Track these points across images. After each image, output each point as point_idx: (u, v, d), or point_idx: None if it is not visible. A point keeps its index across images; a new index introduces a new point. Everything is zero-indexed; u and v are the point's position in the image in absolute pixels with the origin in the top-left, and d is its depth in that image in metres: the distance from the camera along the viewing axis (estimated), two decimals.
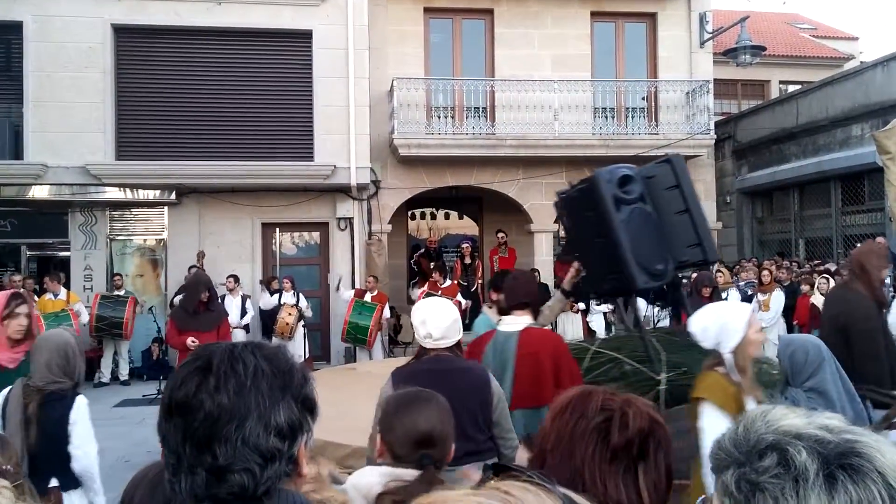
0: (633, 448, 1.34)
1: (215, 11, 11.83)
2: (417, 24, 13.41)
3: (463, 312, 10.79)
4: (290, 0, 12.01)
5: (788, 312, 10.22)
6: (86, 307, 10.70)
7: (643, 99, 13.79)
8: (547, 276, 12.60)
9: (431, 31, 13.65)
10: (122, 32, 11.78)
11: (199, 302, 6.82)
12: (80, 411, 3.36)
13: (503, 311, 3.93)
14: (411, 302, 11.85)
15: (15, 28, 11.45)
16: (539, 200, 13.25)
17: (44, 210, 11.74)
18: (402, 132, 12.46)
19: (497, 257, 12.83)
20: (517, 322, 3.72)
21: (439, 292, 10.41)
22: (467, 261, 12.92)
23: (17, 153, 11.43)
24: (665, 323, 5.85)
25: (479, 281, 12.88)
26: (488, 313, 5.21)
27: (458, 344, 3.11)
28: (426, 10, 13.47)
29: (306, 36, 12.14)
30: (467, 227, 14.99)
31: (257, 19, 11.94)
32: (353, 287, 11.89)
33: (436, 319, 3.01)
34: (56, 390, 3.31)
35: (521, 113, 12.82)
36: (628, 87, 13.73)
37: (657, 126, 13.44)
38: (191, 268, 11.23)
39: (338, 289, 11.50)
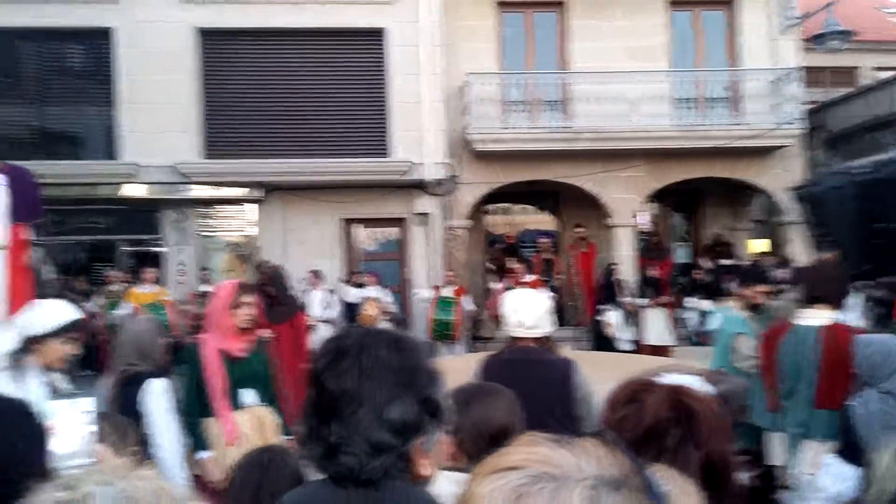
0: (653, 441, 1.22)
1: (293, 12, 12.11)
2: (489, 18, 13.39)
3: None
4: None
5: None
6: (179, 301, 11.10)
7: (725, 89, 13.40)
8: (628, 271, 12.40)
9: (504, 26, 13.61)
10: (207, 35, 12.19)
11: (269, 296, 6.94)
12: (153, 394, 3.40)
13: (807, 302, 3.65)
14: (489, 297, 11.85)
15: (106, 34, 11.99)
16: (618, 194, 13.05)
17: (137, 208, 12.26)
18: (477, 127, 12.47)
19: (576, 252, 12.70)
20: (817, 316, 3.58)
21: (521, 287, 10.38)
22: (545, 256, 12.81)
23: (112, 153, 11.98)
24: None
25: (559, 276, 12.76)
26: (733, 309, 5.01)
27: (547, 337, 3.08)
28: (498, 4, 13.45)
29: (379, 34, 12.31)
30: (544, 222, 14.88)
31: (332, 19, 12.16)
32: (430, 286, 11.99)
33: (529, 308, 3.02)
34: (133, 373, 3.44)
35: (597, 105, 12.64)
36: (708, 77, 13.37)
37: (740, 116, 13.04)
38: (258, 266, 11.51)
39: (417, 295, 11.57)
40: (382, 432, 1.12)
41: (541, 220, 15.02)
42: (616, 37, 13.34)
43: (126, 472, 0.84)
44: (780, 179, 13.24)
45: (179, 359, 3.91)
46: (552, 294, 11.47)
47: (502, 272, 12.67)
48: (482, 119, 12.47)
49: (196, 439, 3.68)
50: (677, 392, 1.28)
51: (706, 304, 11.08)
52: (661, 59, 13.38)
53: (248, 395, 3.86)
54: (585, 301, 12.27)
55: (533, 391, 2.22)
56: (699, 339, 11.02)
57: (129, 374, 3.46)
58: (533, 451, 0.72)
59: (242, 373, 3.77)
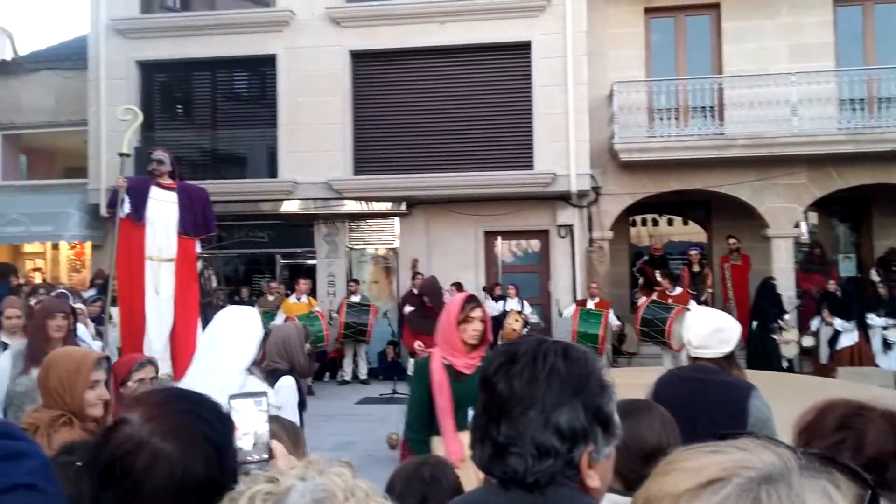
0: (871, 473, 1.10)
1: (439, 31, 12.43)
2: (637, 25, 13.09)
3: None
4: (509, 13, 12.28)
5: None
6: (329, 312, 11.66)
7: None
8: (787, 285, 11.60)
9: (652, 32, 13.25)
10: (359, 58, 12.77)
11: (426, 307, 7.10)
12: (285, 389, 3.62)
13: None
14: (635, 310, 11.50)
15: (269, 60, 12.88)
16: (776, 203, 12.26)
17: (293, 222, 13.04)
18: (622, 137, 12.19)
19: (729, 265, 12.05)
20: None
21: (669, 301, 9.99)
22: (695, 268, 12.24)
23: (273, 172, 12.82)
24: None
25: (710, 290, 12.16)
26: None
27: (729, 357, 2.93)
28: (647, 10, 13.11)
29: (525, 47, 12.34)
30: (693, 233, 14.24)
31: (478, 35, 12.34)
32: (573, 300, 11.82)
33: (695, 327, 2.93)
34: (272, 370, 3.72)
35: (753, 110, 11.99)
36: (881, 76, 12.27)
37: None
38: (413, 276, 11.84)
39: (560, 314, 11.44)
40: (549, 435, 1.14)
41: (689, 232, 14.38)
42: (777, 37, 12.62)
43: (322, 468, 0.89)
44: None
45: (416, 371, 3.82)
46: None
47: (649, 285, 12.27)
48: (628, 128, 12.19)
49: None
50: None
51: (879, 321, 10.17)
52: (827, 58, 12.46)
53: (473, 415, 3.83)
54: (738, 316, 11.57)
55: (703, 411, 2.13)
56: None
57: (268, 369, 3.70)
58: (725, 458, 0.68)
59: (468, 391, 3.46)
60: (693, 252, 12.50)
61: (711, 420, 2.67)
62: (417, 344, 7.00)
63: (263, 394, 1.37)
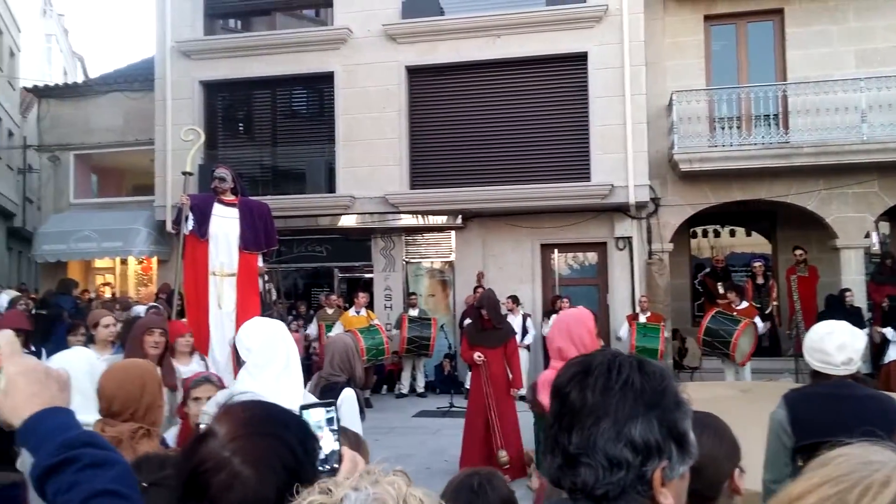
0: None
1: (495, 45, 12.45)
2: (697, 33, 12.85)
3: (759, 337, 9.96)
4: (565, 25, 12.22)
5: None
6: (386, 325, 11.73)
7: None
8: (858, 297, 11.14)
9: (712, 39, 12.99)
10: (415, 73, 12.90)
11: (484, 320, 7.07)
12: (347, 402, 3.64)
13: None
14: (696, 324, 11.22)
15: (327, 78, 13.13)
16: (846, 212, 11.81)
17: (351, 237, 13.20)
18: (682, 147, 11.96)
19: (795, 277, 11.63)
20: None
21: (734, 314, 9.71)
22: (759, 281, 11.88)
23: (331, 187, 13.02)
24: None
25: (775, 303, 11.77)
26: None
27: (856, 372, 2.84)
28: (707, 17, 12.86)
29: (581, 58, 12.25)
30: (757, 244, 13.83)
31: (534, 47, 12.31)
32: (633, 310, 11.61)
33: (856, 343, 2.79)
34: (333, 382, 3.74)
35: (819, 117, 11.62)
36: None
37: None
38: (475, 288, 11.82)
39: (619, 338, 11.22)
40: (622, 448, 1.12)
41: (753, 243, 13.98)
42: (844, 42, 12.22)
43: (376, 478, 0.89)
44: None
45: None
46: (767, 322, 10.63)
47: (710, 298, 11.96)
48: (688, 138, 11.95)
49: None
50: None
51: None
52: None
53: None
54: (806, 329, 11.15)
55: (848, 426, 2.07)
56: None
57: (328, 382, 3.72)
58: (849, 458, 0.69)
59: None
60: (757, 264, 12.14)
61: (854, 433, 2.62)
62: (477, 355, 6.97)
63: (332, 403, 1.37)
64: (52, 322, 9.10)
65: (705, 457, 1.75)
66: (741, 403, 5.35)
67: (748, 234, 13.99)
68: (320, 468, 1.20)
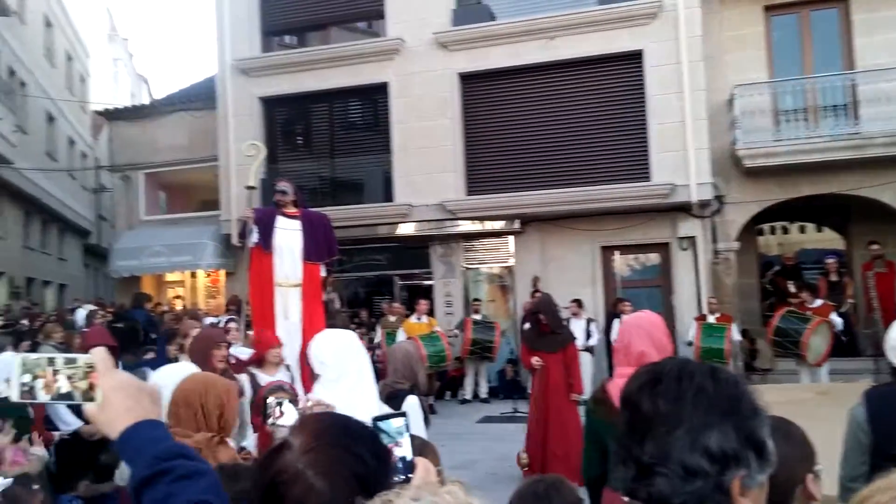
0: None
1: (547, 47, 12.37)
2: (757, 25, 12.50)
3: (835, 336, 9.58)
4: (619, 23, 12.06)
5: None
6: (448, 330, 11.75)
7: None
8: None
9: (773, 30, 12.61)
10: (467, 79, 12.93)
11: (542, 324, 7.01)
12: (411, 410, 3.60)
13: None
14: (766, 324, 10.86)
15: (381, 88, 13.28)
16: None
17: (409, 245, 13.30)
18: (746, 142, 11.64)
19: (872, 273, 11.14)
20: None
21: (807, 313, 9.37)
22: (833, 278, 11.43)
23: (388, 196, 13.15)
24: None
25: (851, 301, 11.30)
26: None
27: None
28: (767, 8, 12.50)
29: (636, 56, 12.07)
30: (829, 240, 13.35)
31: (587, 48, 12.18)
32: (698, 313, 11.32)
33: None
34: (396, 389, 3.75)
35: (891, 106, 11.14)
36: None
37: None
38: (533, 293, 11.74)
39: (689, 343, 10.96)
40: (698, 457, 1.10)
41: (825, 239, 13.50)
42: None
43: (436, 488, 0.90)
44: None
45: None
46: (842, 321, 10.20)
47: (781, 297, 11.56)
48: (752, 133, 11.63)
49: None
50: None
51: None
52: None
53: None
54: (885, 327, 10.66)
55: None
56: None
57: (392, 390, 3.75)
58: None
59: None
60: (830, 260, 11.68)
61: None
62: (535, 360, 6.93)
63: (404, 414, 1.39)
64: (127, 335, 9.46)
65: (788, 464, 1.74)
66: (818, 406, 5.17)
67: (819, 230, 13.53)
68: (395, 478, 1.21)
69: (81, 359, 1.21)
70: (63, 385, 1.20)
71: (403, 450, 1.34)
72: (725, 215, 12.22)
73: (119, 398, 1.16)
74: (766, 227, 13.50)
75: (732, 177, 12.22)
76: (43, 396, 1.20)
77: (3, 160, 15.06)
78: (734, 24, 12.49)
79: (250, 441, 3.43)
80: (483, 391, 12.00)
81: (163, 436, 1.15)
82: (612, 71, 12.29)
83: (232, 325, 6.30)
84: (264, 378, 4.74)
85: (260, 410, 3.43)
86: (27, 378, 1.21)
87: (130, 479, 1.11)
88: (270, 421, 2.71)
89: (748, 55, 12.40)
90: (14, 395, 1.21)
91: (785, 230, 13.54)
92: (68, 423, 5.63)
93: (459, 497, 0.88)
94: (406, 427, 1.38)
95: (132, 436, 1.13)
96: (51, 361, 1.21)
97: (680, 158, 11.63)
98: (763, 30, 12.49)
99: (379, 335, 11.62)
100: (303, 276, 6.82)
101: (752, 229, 12.92)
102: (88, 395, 1.18)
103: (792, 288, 10.86)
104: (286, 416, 2.53)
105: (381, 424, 1.32)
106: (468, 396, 11.97)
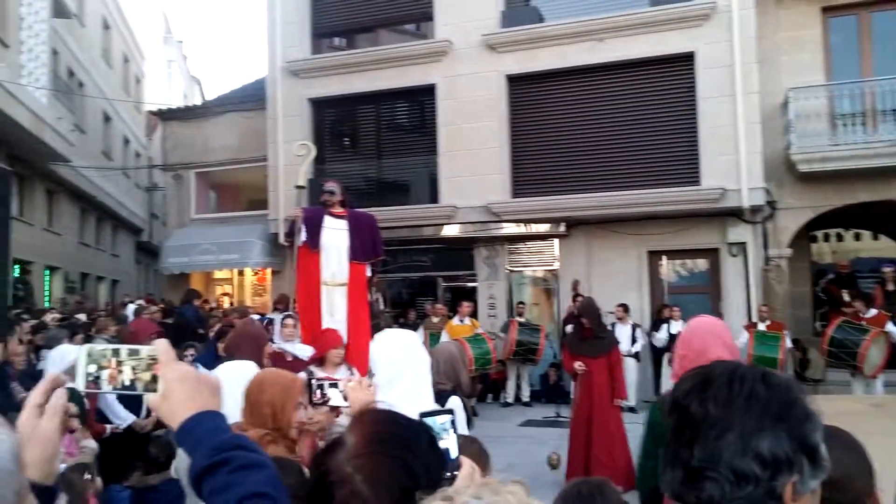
0: None
1: (596, 49, 12.25)
2: (814, 27, 12.18)
3: (892, 346, 9.27)
4: (670, 24, 11.87)
5: None
6: (491, 333, 11.73)
7: None
8: None
9: (831, 32, 12.27)
10: (515, 81, 12.88)
11: (585, 328, 6.94)
12: (454, 410, 3.64)
13: None
14: (818, 333, 10.58)
15: (429, 90, 13.32)
16: None
17: (454, 246, 13.32)
18: (800, 146, 11.35)
19: None
20: None
21: (862, 323, 9.08)
22: (890, 287, 11.05)
23: (434, 197, 13.19)
24: None
25: None
26: None
27: None
28: (824, 9, 12.18)
29: (688, 58, 11.85)
30: (886, 248, 12.91)
31: (637, 49, 12.02)
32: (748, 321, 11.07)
33: None
34: (439, 390, 3.73)
35: None
36: None
37: None
38: (574, 297, 11.63)
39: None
40: (749, 462, 1.09)
41: (881, 246, 13.06)
42: None
43: (497, 488, 0.90)
44: None
45: None
46: None
47: (834, 306, 11.23)
48: (806, 137, 11.33)
49: None
50: None
51: None
52: None
53: None
54: None
55: None
56: None
57: (434, 390, 3.76)
58: None
59: None
60: (888, 269, 11.28)
61: None
62: (578, 364, 6.87)
63: (451, 411, 1.39)
64: (177, 331, 9.68)
65: (843, 472, 1.66)
66: (873, 419, 4.99)
67: (875, 238, 13.08)
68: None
69: (144, 350, 1.24)
70: (127, 376, 1.23)
71: (449, 446, 1.34)
72: (778, 221, 11.94)
73: (181, 389, 1.18)
74: (819, 233, 13.13)
75: (786, 182, 11.93)
76: (107, 387, 1.24)
77: (61, 158, 15.56)
78: (790, 26, 12.20)
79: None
80: (525, 395, 11.94)
81: (222, 427, 1.17)
82: (663, 73, 12.10)
83: (289, 321, 6.38)
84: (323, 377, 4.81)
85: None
86: (93, 369, 1.24)
87: (190, 469, 1.13)
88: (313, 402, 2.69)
89: (804, 57, 12.10)
90: (80, 385, 1.25)
91: (839, 237, 13.13)
92: (122, 417, 5.81)
93: (521, 497, 0.89)
94: (452, 424, 1.38)
95: (193, 426, 1.15)
96: (115, 353, 1.24)
97: (731, 162, 11.39)
98: (820, 31, 12.17)
99: (422, 336, 11.66)
100: (349, 276, 6.90)
101: (805, 236, 12.59)
102: (151, 386, 1.21)
103: (846, 297, 10.54)
104: (332, 399, 2.50)
105: (427, 420, 1.33)
106: (510, 400, 11.92)
